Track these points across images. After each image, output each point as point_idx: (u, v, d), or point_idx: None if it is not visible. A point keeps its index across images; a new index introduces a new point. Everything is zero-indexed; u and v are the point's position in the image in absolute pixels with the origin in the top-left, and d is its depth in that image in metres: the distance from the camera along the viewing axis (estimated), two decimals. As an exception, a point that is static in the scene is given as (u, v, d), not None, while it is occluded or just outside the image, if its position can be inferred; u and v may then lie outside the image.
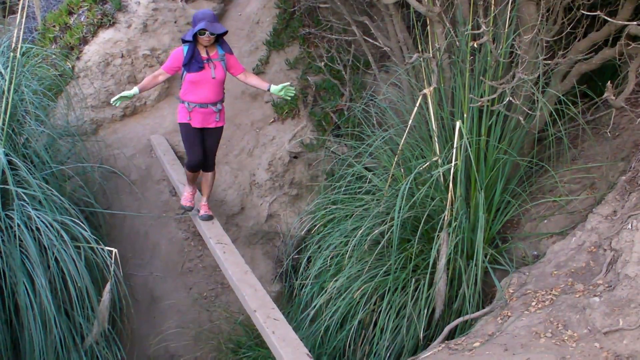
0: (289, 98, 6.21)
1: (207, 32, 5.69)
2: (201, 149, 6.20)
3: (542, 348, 3.91)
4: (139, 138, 7.77)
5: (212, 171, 6.49)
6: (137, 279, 6.94)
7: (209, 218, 6.59)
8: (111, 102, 5.81)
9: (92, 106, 7.74)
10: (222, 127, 6.30)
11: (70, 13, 8.24)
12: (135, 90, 5.82)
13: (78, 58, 7.83)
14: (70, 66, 7.72)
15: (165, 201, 7.40)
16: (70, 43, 7.86)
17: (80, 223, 5.54)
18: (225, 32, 5.92)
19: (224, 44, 6.04)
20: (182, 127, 6.13)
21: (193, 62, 5.82)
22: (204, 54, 5.88)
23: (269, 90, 6.08)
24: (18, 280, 5.26)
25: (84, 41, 7.89)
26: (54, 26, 8.19)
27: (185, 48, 5.85)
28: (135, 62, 7.97)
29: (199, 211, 6.65)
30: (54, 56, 7.52)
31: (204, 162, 6.31)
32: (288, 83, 6.08)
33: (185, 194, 6.67)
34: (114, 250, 5.40)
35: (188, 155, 6.26)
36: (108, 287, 5.36)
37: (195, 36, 5.73)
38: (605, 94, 4.39)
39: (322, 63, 7.78)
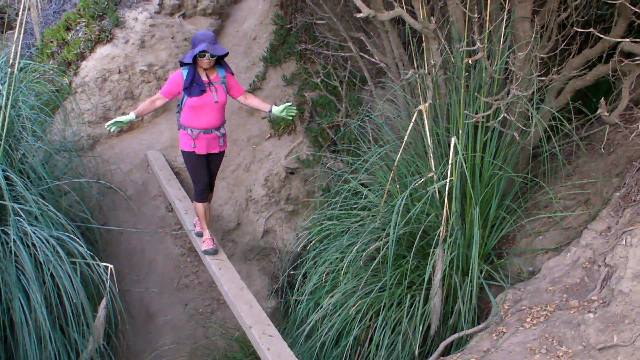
0: (291, 118, 6.13)
1: (207, 54, 5.47)
2: (208, 175, 6.04)
3: (537, 364, 3.91)
4: (135, 153, 7.78)
5: (210, 198, 6.38)
6: (133, 295, 6.93)
7: (214, 252, 6.29)
8: (105, 127, 5.61)
9: (89, 122, 7.75)
10: (224, 152, 6.15)
11: (68, 29, 8.27)
12: (131, 115, 5.63)
13: (75, 74, 7.86)
14: (67, 82, 7.74)
15: (162, 217, 7.40)
16: (67, 59, 7.88)
17: (76, 239, 5.53)
18: (226, 54, 5.68)
19: (225, 65, 5.82)
20: (187, 156, 5.92)
21: (194, 86, 5.58)
22: (204, 77, 5.66)
23: (270, 112, 5.94)
24: (13, 296, 5.25)
25: (82, 57, 7.91)
26: (51, 42, 8.22)
27: (184, 72, 5.59)
28: (133, 78, 7.99)
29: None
30: (51, 72, 7.55)
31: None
32: (289, 103, 5.96)
33: (205, 239, 6.36)
34: (110, 266, 5.40)
35: (196, 183, 6.05)
36: (104, 302, 5.37)
37: (194, 58, 5.51)
38: (599, 111, 4.42)
39: (319, 79, 7.81)
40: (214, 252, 6.27)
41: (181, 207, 6.85)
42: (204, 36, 5.50)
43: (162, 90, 5.76)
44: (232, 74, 5.90)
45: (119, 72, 7.92)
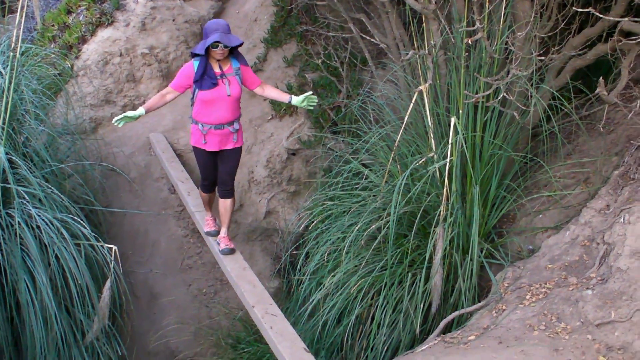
0: (312, 108, 5.74)
1: (220, 45, 5.13)
2: (216, 172, 5.76)
3: (536, 340, 3.96)
4: (138, 136, 7.82)
5: (231, 198, 5.91)
6: (137, 276, 7.00)
7: (231, 252, 6.00)
8: (113, 122, 5.22)
9: (91, 105, 7.78)
10: (240, 148, 5.73)
11: (69, 12, 8.28)
12: (141, 110, 5.28)
13: (77, 57, 7.87)
14: (69, 65, 7.77)
15: (165, 198, 7.45)
16: (69, 42, 7.90)
17: (80, 221, 5.59)
18: (241, 44, 5.29)
19: (238, 56, 5.46)
20: (196, 152, 5.67)
21: (205, 79, 5.25)
22: (217, 69, 5.31)
23: (290, 102, 5.61)
24: (19, 278, 5.31)
25: (83, 40, 7.93)
26: (52, 25, 8.23)
27: (195, 63, 5.26)
28: (134, 61, 8.01)
29: (218, 244, 6.05)
30: (53, 55, 7.56)
31: (219, 184, 5.85)
32: (310, 93, 5.57)
33: (207, 220, 6.27)
34: (114, 247, 5.46)
35: (204, 178, 5.86)
36: (108, 284, 5.42)
37: (207, 49, 5.18)
38: (598, 90, 4.44)
39: (320, 60, 7.82)
40: (215, 234, 6.14)
41: (184, 189, 6.89)
42: (216, 25, 5.14)
43: (172, 83, 5.43)
44: (247, 64, 5.55)
45: (120, 55, 7.93)
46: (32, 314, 5.32)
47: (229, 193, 5.86)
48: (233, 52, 5.40)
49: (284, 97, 5.66)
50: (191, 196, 6.78)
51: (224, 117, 5.41)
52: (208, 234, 6.23)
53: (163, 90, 5.47)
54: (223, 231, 6.07)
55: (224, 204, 5.91)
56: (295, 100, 5.56)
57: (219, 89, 5.31)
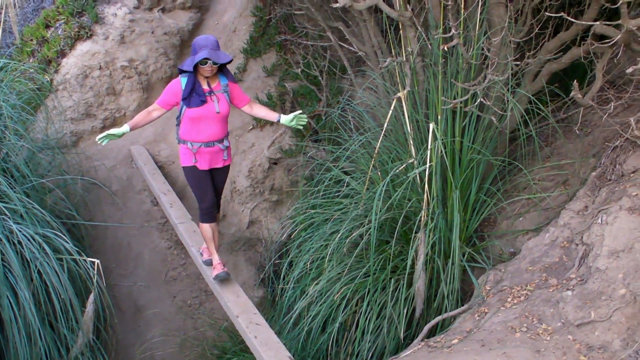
0: (301, 127, 5.61)
1: (209, 62, 4.98)
2: (213, 193, 5.51)
3: (518, 342, 4.00)
4: (119, 149, 7.81)
5: (217, 218, 5.76)
6: (121, 289, 6.98)
7: (226, 276, 5.72)
8: (97, 140, 5.02)
9: (71, 119, 7.77)
10: (229, 166, 5.65)
11: (48, 26, 8.27)
12: (125, 128, 5.07)
13: (56, 71, 7.87)
14: (48, 79, 7.75)
15: (147, 211, 7.44)
16: (48, 56, 7.89)
17: (62, 235, 5.56)
18: (230, 61, 5.15)
19: (227, 73, 5.34)
20: (188, 172, 5.41)
21: (194, 96, 5.09)
22: (205, 86, 5.17)
23: (278, 121, 5.45)
24: (1, 294, 5.27)
25: (62, 54, 7.92)
26: (31, 40, 8.22)
27: (183, 80, 5.10)
28: (114, 74, 8.01)
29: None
30: (32, 70, 7.55)
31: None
32: (299, 112, 5.45)
33: (215, 265, 5.76)
34: (97, 261, 5.44)
35: (201, 201, 5.51)
36: (91, 297, 5.40)
37: (195, 66, 5.03)
38: (572, 93, 4.49)
39: (299, 69, 7.86)
40: (225, 276, 5.71)
41: (166, 201, 6.89)
42: (205, 41, 5.00)
43: (158, 100, 5.23)
44: (236, 81, 5.45)
45: (100, 68, 7.93)
46: (16, 330, 5.28)
47: (217, 210, 5.70)
48: (221, 69, 5.28)
49: (272, 115, 5.51)
50: (174, 208, 6.78)
51: (214, 134, 5.28)
52: (217, 277, 5.72)
53: (149, 107, 5.25)
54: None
55: (212, 227, 5.68)
56: (284, 119, 5.43)
57: (207, 107, 5.16)
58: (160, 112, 5.22)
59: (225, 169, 5.61)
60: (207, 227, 5.61)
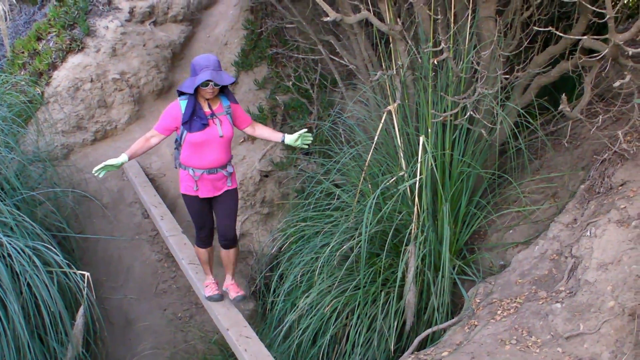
0: (307, 147, 5.36)
1: (211, 84, 4.71)
2: (212, 217, 5.33)
3: (508, 355, 4.01)
4: (110, 161, 7.80)
5: (234, 247, 5.49)
6: (111, 302, 6.96)
7: (243, 299, 5.62)
8: (93, 172, 4.83)
9: (62, 131, 7.77)
10: (236, 189, 5.32)
11: (39, 39, 8.28)
12: (123, 157, 4.83)
13: (47, 84, 7.86)
14: (39, 92, 7.75)
15: (138, 223, 7.43)
16: (39, 69, 7.89)
17: (53, 248, 5.54)
18: (233, 82, 4.94)
19: (229, 94, 5.05)
20: (188, 200, 5.18)
21: (195, 120, 4.80)
22: (206, 108, 4.88)
23: (283, 142, 5.22)
24: (-10, 307, 5.27)
25: (53, 67, 7.92)
26: (22, 52, 8.22)
27: (182, 103, 4.81)
28: (105, 87, 8.02)
29: (226, 292, 5.67)
30: (23, 82, 7.55)
31: (220, 236, 5.39)
32: (304, 130, 5.21)
33: (207, 284, 5.70)
34: (86, 273, 5.44)
35: (198, 229, 5.37)
36: (81, 310, 5.40)
37: (195, 88, 4.72)
38: (561, 106, 4.52)
39: (290, 82, 7.89)
40: (219, 299, 5.61)
41: (157, 214, 6.89)
42: (207, 61, 4.67)
43: (156, 125, 4.95)
44: (237, 102, 5.16)
45: (91, 80, 7.93)
46: (5, 343, 5.24)
47: (231, 242, 5.42)
48: (222, 90, 4.99)
49: (276, 136, 5.29)
50: (164, 220, 6.78)
51: (217, 160, 4.98)
52: (210, 299, 5.65)
53: (147, 133, 4.99)
54: (229, 279, 5.67)
55: (227, 255, 5.52)
56: (289, 139, 5.19)
57: (209, 130, 4.86)
58: (159, 138, 4.95)
59: (231, 193, 5.24)
60: (202, 252, 5.51)
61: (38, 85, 7.82)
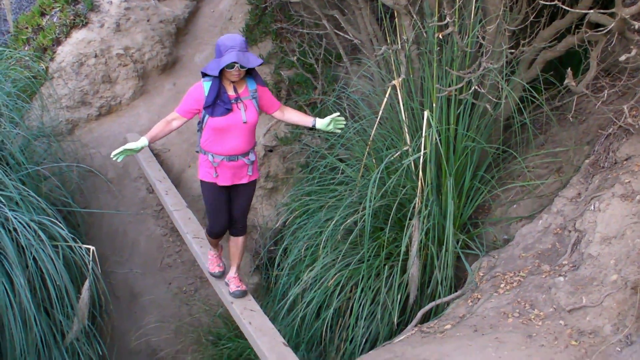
0: (339, 131, 5.03)
1: (237, 65, 4.39)
2: (228, 213, 5.00)
3: (510, 328, 4.03)
4: (115, 137, 7.81)
5: (243, 235, 5.21)
6: (117, 276, 7.01)
7: (242, 294, 5.30)
8: (112, 157, 4.50)
9: (67, 106, 7.77)
10: (255, 181, 5.04)
11: (43, 14, 8.26)
12: (143, 141, 4.53)
13: (52, 59, 7.86)
14: (44, 67, 7.74)
15: (143, 198, 7.46)
16: (43, 44, 7.88)
17: (58, 222, 5.56)
18: (261, 64, 4.50)
19: (256, 75, 4.72)
20: (206, 187, 4.86)
21: (218, 104, 4.50)
22: (231, 92, 4.57)
23: (314, 126, 4.88)
24: (-3, 281, 5.31)
25: (57, 42, 7.91)
26: (26, 28, 8.21)
27: (206, 85, 4.51)
28: (109, 62, 8.00)
29: (227, 285, 5.38)
30: (27, 58, 7.54)
31: (231, 225, 5.12)
32: (337, 114, 4.86)
33: (210, 258, 5.54)
34: (92, 248, 5.46)
35: (210, 221, 5.07)
36: (87, 284, 5.43)
37: (220, 69, 4.41)
38: (566, 81, 4.51)
39: (295, 57, 7.85)
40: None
41: (162, 188, 6.90)
42: (232, 42, 4.36)
43: (178, 108, 4.64)
44: (265, 85, 4.82)
45: (96, 56, 7.92)
46: (11, 316, 5.29)
47: (240, 231, 5.18)
48: (249, 72, 4.68)
49: (306, 120, 4.94)
50: (169, 195, 6.79)
51: (239, 147, 4.68)
52: (212, 275, 5.50)
53: (168, 116, 4.67)
54: (232, 271, 5.37)
55: (236, 242, 5.24)
56: (320, 123, 4.84)
57: (233, 115, 4.56)
58: (180, 121, 4.64)
59: (250, 186, 4.98)
60: (211, 238, 5.29)
61: (42, 61, 7.82)
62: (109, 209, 7.20)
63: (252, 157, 4.81)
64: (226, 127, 4.57)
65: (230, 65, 4.37)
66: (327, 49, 7.87)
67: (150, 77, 8.31)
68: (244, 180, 4.85)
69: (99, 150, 7.53)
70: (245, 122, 4.60)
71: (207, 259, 5.61)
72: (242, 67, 4.41)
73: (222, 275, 5.47)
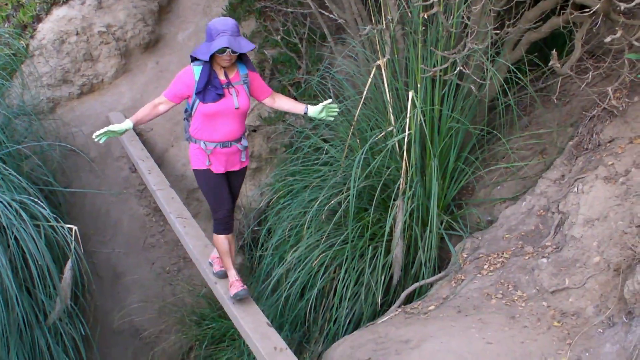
0: (332, 119, 4.94)
1: (228, 50, 4.26)
2: (230, 198, 4.82)
3: (493, 309, 4.06)
4: (97, 115, 7.73)
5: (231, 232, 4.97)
6: (100, 256, 6.98)
7: (246, 294, 4.95)
8: (94, 137, 4.31)
9: (48, 85, 7.67)
10: (246, 168, 4.95)
11: (23, -10, 8.14)
12: (127, 124, 4.35)
13: (32, 36, 7.74)
14: (24, 45, 7.63)
15: (125, 178, 7.41)
16: (23, 21, 7.75)
17: (39, 202, 5.51)
18: (253, 49, 4.41)
19: (247, 61, 4.60)
20: (202, 176, 4.71)
21: (209, 89, 4.37)
22: (222, 77, 4.44)
23: (306, 114, 4.77)
24: (-22, 261, 5.27)
25: (38, 19, 7.79)
26: (6, 4, 8.07)
27: (196, 69, 4.37)
28: (91, 40, 7.90)
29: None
30: (7, 35, 7.43)
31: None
32: (329, 100, 4.76)
33: (232, 282, 4.97)
34: (74, 227, 5.43)
35: (216, 210, 4.80)
36: (69, 264, 5.42)
37: (211, 54, 4.28)
38: (551, 62, 4.50)
39: (279, 36, 7.79)
40: (245, 295, 4.93)
41: (144, 167, 6.86)
42: (224, 26, 4.22)
43: (166, 92, 4.50)
44: (256, 70, 4.71)
45: (77, 33, 7.81)
46: (-7, 296, 5.28)
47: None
48: (241, 57, 4.55)
49: (298, 108, 4.83)
50: (152, 174, 6.75)
51: (231, 133, 4.57)
52: (236, 296, 4.93)
53: (155, 100, 4.53)
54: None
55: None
56: (312, 111, 4.74)
57: (225, 101, 4.44)
58: (168, 105, 4.50)
59: (242, 172, 4.91)
60: (222, 240, 4.86)
61: (22, 38, 7.70)
62: (91, 189, 7.14)
63: (244, 142, 4.71)
64: (218, 113, 4.45)
65: (222, 50, 4.23)
66: (312, 28, 7.82)
67: (132, 55, 8.21)
68: (237, 167, 4.77)
69: (80, 129, 7.45)
70: (237, 108, 4.48)
71: (230, 281, 5.02)
72: (233, 52, 4.28)
73: (247, 294, 4.99)
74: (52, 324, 5.68)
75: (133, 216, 7.27)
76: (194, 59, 4.43)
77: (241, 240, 7.34)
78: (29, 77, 7.39)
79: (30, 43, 7.67)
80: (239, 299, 4.94)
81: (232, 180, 4.84)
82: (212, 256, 5.36)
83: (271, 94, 4.81)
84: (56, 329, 5.74)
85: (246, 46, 4.30)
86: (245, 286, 4.96)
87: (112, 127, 4.30)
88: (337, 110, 4.85)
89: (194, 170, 4.73)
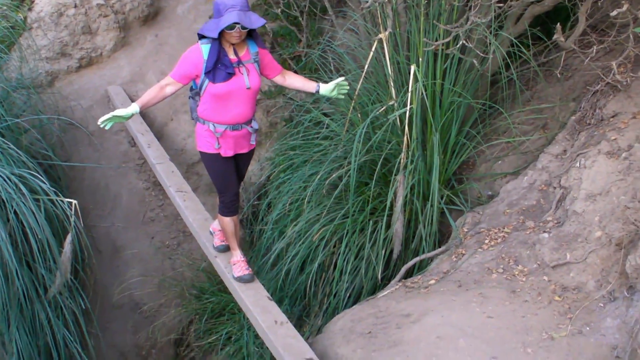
0: (342, 97, 4.82)
1: (238, 26, 4.06)
2: (237, 181, 4.78)
3: (494, 283, 4.06)
4: (95, 89, 7.69)
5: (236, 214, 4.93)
6: (99, 230, 6.96)
7: (251, 279, 4.97)
8: (99, 123, 4.12)
9: (46, 58, 7.61)
10: (253, 150, 4.84)
11: (20, -38, 8.05)
12: (134, 107, 4.19)
13: (30, 9, 7.66)
14: (22, 17, 7.56)
15: (125, 151, 7.38)
16: (21, -7, 7.70)
17: (39, 176, 5.48)
18: (264, 25, 4.20)
19: (257, 38, 4.40)
20: (209, 159, 4.59)
21: (219, 68, 4.20)
22: (231, 55, 4.26)
23: (317, 92, 4.63)
24: (-23, 234, 5.26)
25: (36, -9, 7.73)
26: (3, -24, 8.00)
27: (205, 48, 4.20)
28: (89, 12, 7.82)
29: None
30: (4, 7, 7.36)
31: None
32: (341, 79, 4.63)
33: (236, 262, 5.00)
34: (74, 201, 5.41)
35: (222, 193, 4.73)
36: (69, 238, 5.40)
37: (220, 31, 4.10)
38: (555, 36, 4.47)
39: (279, 9, 7.72)
40: (250, 279, 4.94)
41: (144, 141, 6.83)
42: (232, 0, 4.02)
43: (173, 72, 4.33)
44: (266, 47, 4.56)
45: (75, 6, 7.73)
46: (-7, 270, 5.28)
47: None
48: (251, 34, 4.36)
49: (309, 86, 4.68)
50: (151, 148, 6.73)
51: (242, 114, 4.42)
52: (240, 279, 4.94)
53: (161, 81, 4.35)
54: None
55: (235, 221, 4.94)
56: (324, 89, 4.60)
57: (236, 80, 4.28)
58: (175, 87, 4.33)
59: (250, 153, 4.81)
60: (227, 221, 4.83)
61: (20, 11, 7.63)
62: (90, 162, 7.11)
63: (255, 125, 4.60)
64: (228, 94, 4.30)
65: (231, 26, 4.04)
66: (312, 1, 7.74)
67: (131, 28, 8.14)
68: (245, 150, 4.66)
69: (79, 103, 7.40)
70: (248, 88, 4.33)
71: (235, 264, 5.03)
72: (243, 28, 4.09)
73: (252, 278, 4.99)
74: (52, 298, 5.68)
75: (132, 190, 7.25)
76: (201, 37, 4.27)
77: (241, 214, 7.34)
78: (27, 50, 7.33)
79: (28, 15, 7.60)
80: (244, 281, 4.91)
81: (239, 162, 4.75)
82: (212, 227, 5.34)
83: (282, 71, 4.67)
84: (56, 303, 5.74)
85: (257, 21, 4.12)
86: (250, 270, 4.95)
87: (117, 112, 4.14)
88: (348, 87, 4.73)
89: (200, 152, 4.62)
